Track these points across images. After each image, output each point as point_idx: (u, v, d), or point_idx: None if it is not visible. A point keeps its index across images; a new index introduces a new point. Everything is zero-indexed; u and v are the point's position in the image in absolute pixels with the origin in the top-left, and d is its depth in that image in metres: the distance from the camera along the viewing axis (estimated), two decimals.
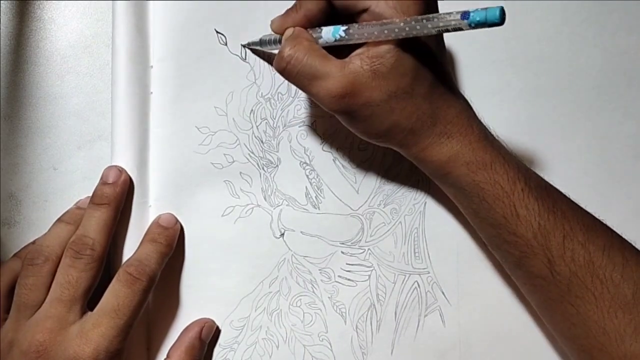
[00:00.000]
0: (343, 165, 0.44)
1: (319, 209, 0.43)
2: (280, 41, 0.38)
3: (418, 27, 0.33)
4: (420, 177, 0.44)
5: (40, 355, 0.35)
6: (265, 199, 0.43)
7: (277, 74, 0.42)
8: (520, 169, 0.37)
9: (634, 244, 0.37)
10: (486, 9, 0.30)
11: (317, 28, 0.37)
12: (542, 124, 0.46)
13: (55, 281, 0.36)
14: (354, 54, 0.36)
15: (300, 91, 0.42)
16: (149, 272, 0.37)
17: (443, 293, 0.44)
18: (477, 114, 0.39)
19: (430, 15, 0.32)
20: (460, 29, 0.31)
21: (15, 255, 0.39)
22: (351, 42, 0.36)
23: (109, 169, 0.39)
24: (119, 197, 0.39)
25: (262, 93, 0.43)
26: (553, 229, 0.36)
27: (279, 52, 0.37)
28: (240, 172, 0.42)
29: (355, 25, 0.35)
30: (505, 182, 0.36)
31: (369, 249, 0.44)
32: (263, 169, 0.43)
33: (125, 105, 0.40)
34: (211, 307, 0.42)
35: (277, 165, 0.43)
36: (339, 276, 0.43)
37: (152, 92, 0.41)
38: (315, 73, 0.36)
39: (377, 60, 0.35)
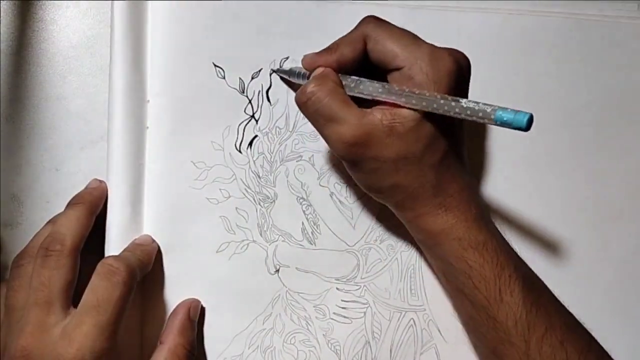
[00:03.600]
0: (340, 201, 0.43)
1: (314, 244, 0.43)
2: (308, 77, 0.39)
3: (446, 107, 0.33)
4: None
5: None
6: (261, 234, 0.42)
7: (275, 108, 0.43)
8: (511, 255, 0.37)
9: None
10: (516, 112, 0.31)
11: (347, 75, 0.37)
12: (540, 160, 0.46)
13: (30, 284, 0.36)
14: (378, 106, 0.36)
15: (299, 126, 0.42)
16: (128, 265, 0.36)
17: (439, 331, 0.44)
18: (479, 192, 0.39)
19: (462, 101, 0.32)
20: (484, 122, 0.32)
21: None
22: (376, 99, 0.36)
23: (90, 181, 0.40)
24: (93, 198, 0.39)
25: (259, 127, 0.43)
26: (535, 322, 0.36)
27: (303, 86, 0.37)
28: (236, 208, 0.42)
29: (385, 86, 0.35)
30: (494, 265, 0.36)
31: (364, 285, 0.43)
32: (259, 204, 0.42)
33: (121, 140, 0.40)
34: (204, 343, 0.41)
35: (274, 201, 0.43)
36: (334, 313, 0.43)
37: (148, 127, 0.41)
38: (332, 115, 0.36)
39: (398, 119, 0.35)
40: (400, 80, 0.35)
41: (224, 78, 0.42)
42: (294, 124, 0.43)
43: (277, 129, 0.43)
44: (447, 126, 0.36)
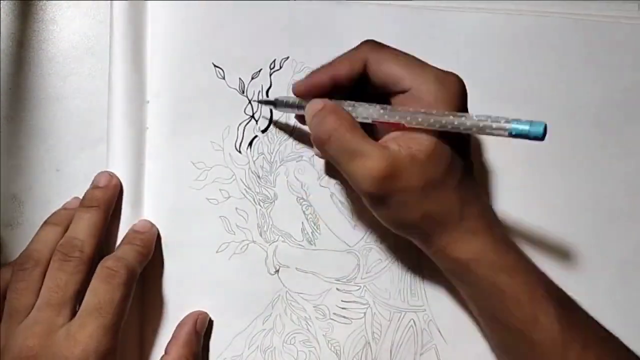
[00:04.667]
0: (340, 201, 0.43)
1: (314, 245, 0.43)
2: (297, 106, 0.38)
3: (458, 123, 0.32)
4: None
5: None
6: (260, 234, 0.42)
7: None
8: (540, 274, 0.37)
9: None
10: (531, 122, 0.31)
11: (347, 102, 0.36)
12: (541, 160, 0.46)
13: (44, 285, 0.36)
14: (388, 137, 0.35)
15: (298, 125, 0.42)
16: (127, 265, 0.37)
17: (439, 331, 0.44)
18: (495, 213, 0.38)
19: (474, 116, 0.32)
20: (498, 135, 0.32)
21: (8, 264, 0.39)
22: (378, 122, 0.35)
23: (99, 174, 0.40)
24: (109, 200, 0.39)
25: (259, 127, 0.43)
26: (572, 339, 0.35)
27: (319, 125, 0.35)
28: (236, 208, 0.42)
29: (387, 108, 0.35)
30: (526, 287, 0.35)
31: (364, 285, 0.43)
32: (259, 204, 0.42)
33: (121, 141, 0.40)
34: (204, 343, 0.41)
35: (274, 201, 0.43)
36: (334, 313, 0.43)
37: (148, 128, 0.41)
38: (356, 151, 0.34)
39: (415, 146, 0.34)
40: (407, 103, 0.34)
41: (223, 78, 0.42)
42: (294, 124, 0.43)
43: (277, 129, 0.43)
44: (460, 146, 0.35)
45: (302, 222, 0.43)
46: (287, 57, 0.43)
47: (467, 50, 0.45)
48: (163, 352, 0.40)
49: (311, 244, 0.43)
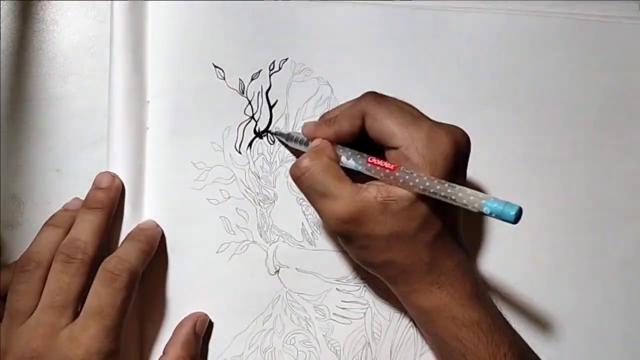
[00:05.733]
0: None
1: (314, 245, 0.43)
2: (306, 143, 0.39)
3: (437, 190, 0.33)
4: None
5: None
6: (261, 235, 0.42)
7: (275, 109, 0.43)
8: (507, 332, 0.37)
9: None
10: (506, 204, 0.30)
11: (345, 147, 0.37)
12: (541, 160, 0.46)
13: (46, 287, 0.36)
14: (373, 182, 0.36)
15: (298, 126, 0.42)
16: (129, 267, 0.37)
17: None
18: (474, 268, 0.38)
19: (455, 187, 0.32)
20: (473, 210, 0.31)
21: (7, 266, 0.39)
22: (369, 175, 0.36)
23: (101, 175, 0.40)
24: (112, 201, 0.39)
25: (259, 128, 0.43)
26: None
27: (297, 160, 0.37)
28: (236, 208, 0.42)
29: (372, 166, 0.36)
30: (489, 344, 0.36)
31: (364, 286, 0.43)
32: (259, 204, 0.43)
33: (122, 141, 0.40)
34: (204, 344, 0.41)
35: (274, 201, 0.43)
36: (334, 313, 0.43)
37: (148, 128, 0.41)
38: (325, 191, 0.36)
39: (393, 197, 0.35)
40: (397, 159, 0.35)
41: (224, 79, 0.42)
42: (293, 125, 0.43)
43: (277, 129, 0.43)
44: (442, 204, 0.35)
45: (302, 223, 0.43)
46: (287, 59, 0.43)
47: (468, 50, 0.45)
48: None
49: (311, 244, 0.43)
